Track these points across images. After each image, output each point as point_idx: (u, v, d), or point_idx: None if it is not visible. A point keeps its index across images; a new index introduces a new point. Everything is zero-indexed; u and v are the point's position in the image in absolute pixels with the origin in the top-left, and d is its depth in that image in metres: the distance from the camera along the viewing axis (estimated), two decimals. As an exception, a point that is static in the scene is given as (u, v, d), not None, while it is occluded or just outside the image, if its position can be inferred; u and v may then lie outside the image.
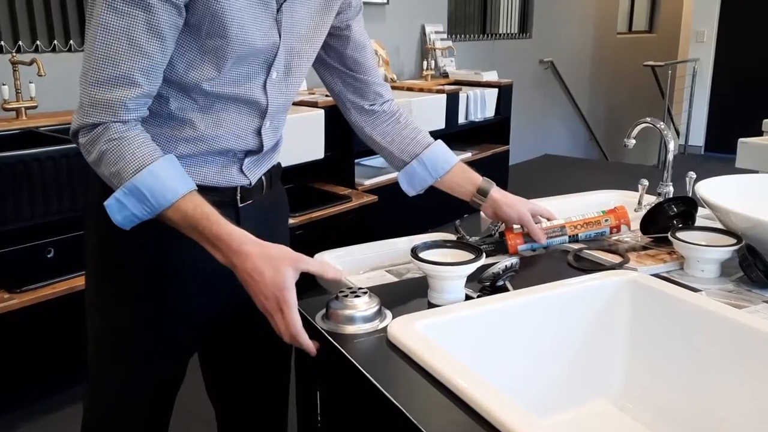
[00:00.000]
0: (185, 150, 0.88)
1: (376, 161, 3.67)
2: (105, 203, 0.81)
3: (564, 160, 5.67)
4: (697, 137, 6.00)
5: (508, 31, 5.33)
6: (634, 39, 7.07)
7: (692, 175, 1.21)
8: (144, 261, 0.91)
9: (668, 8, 7.43)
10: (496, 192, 1.12)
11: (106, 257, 0.93)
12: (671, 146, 1.20)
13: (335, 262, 1.12)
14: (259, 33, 0.86)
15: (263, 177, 0.99)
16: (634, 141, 1.26)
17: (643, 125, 1.24)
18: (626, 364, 0.91)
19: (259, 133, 0.94)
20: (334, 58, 1.05)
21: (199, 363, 1.09)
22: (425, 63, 4.13)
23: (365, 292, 0.81)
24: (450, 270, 0.83)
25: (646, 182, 1.21)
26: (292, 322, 0.75)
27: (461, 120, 3.80)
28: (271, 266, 0.76)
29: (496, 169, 4.20)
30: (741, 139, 2.46)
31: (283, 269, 0.76)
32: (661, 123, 1.21)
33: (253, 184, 0.97)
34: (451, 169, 1.13)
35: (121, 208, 0.80)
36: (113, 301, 0.93)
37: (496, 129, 4.19)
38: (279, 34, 0.89)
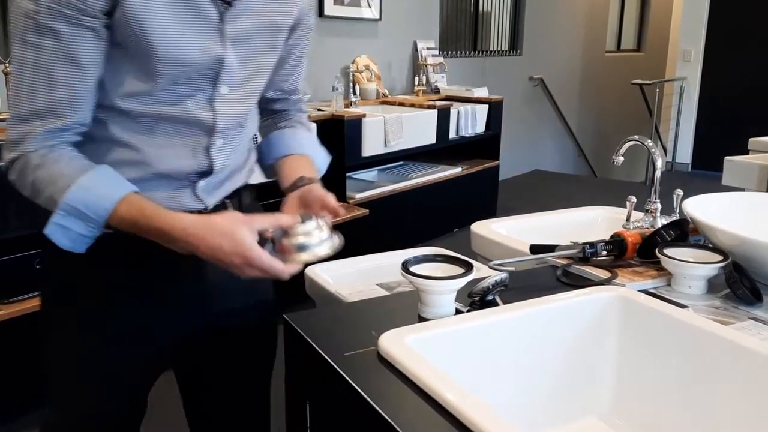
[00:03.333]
0: (131, 174, 0.83)
1: (367, 175, 3.68)
2: (45, 231, 0.77)
3: (553, 175, 5.71)
4: (684, 155, 6.07)
5: (499, 48, 5.39)
6: (623, 57, 7.17)
7: (679, 192, 1.23)
8: (91, 283, 0.87)
9: (656, 27, 7.55)
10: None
11: (54, 281, 0.90)
12: (659, 164, 1.21)
13: (326, 276, 1.12)
14: (194, 47, 0.81)
15: (227, 201, 0.93)
16: (622, 158, 1.28)
17: (631, 143, 1.26)
18: (615, 379, 0.91)
19: (208, 152, 0.88)
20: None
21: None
22: (417, 79, 4.17)
23: (310, 218, 0.84)
24: (440, 284, 0.83)
25: (634, 199, 1.22)
26: (268, 268, 0.77)
27: (452, 135, 3.83)
28: (226, 237, 0.76)
29: (486, 185, 4.23)
30: (727, 158, 2.50)
31: (238, 235, 0.76)
32: (649, 141, 1.23)
33: (209, 208, 0.90)
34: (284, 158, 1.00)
35: (65, 232, 0.77)
36: (62, 326, 0.90)
37: (487, 145, 4.22)
38: (225, 44, 0.83)
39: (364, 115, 3.13)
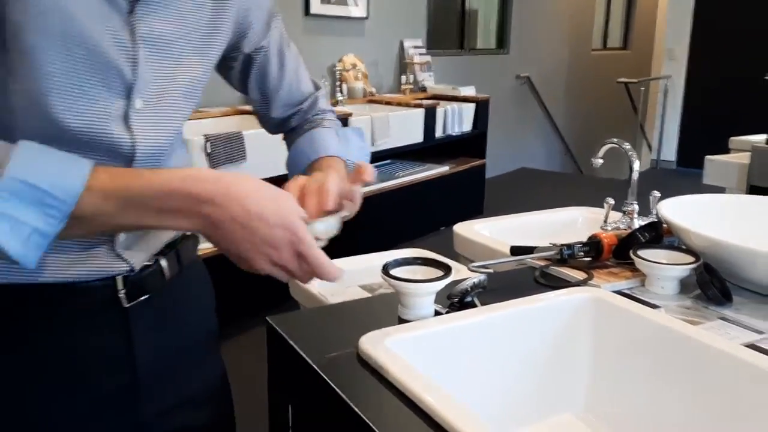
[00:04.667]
0: None
1: (354, 174, 3.69)
2: None
3: (539, 173, 5.76)
4: (669, 153, 6.14)
5: (486, 47, 5.42)
6: (609, 55, 7.23)
7: (656, 194, 1.25)
8: None
9: (642, 25, 7.61)
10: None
11: None
12: (636, 166, 1.24)
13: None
14: (104, 29, 0.60)
15: (161, 258, 0.73)
16: (601, 161, 1.31)
17: (610, 146, 1.28)
18: (590, 378, 0.94)
19: None
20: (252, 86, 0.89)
21: None
22: (404, 77, 4.18)
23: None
24: (419, 287, 0.85)
25: (611, 201, 1.25)
26: (316, 260, 0.60)
27: (438, 134, 3.86)
28: (273, 201, 0.57)
29: (473, 183, 4.26)
30: (708, 157, 2.54)
31: (290, 202, 0.59)
32: (627, 144, 1.26)
33: (136, 269, 0.70)
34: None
35: (13, 226, 0.49)
36: None
37: (473, 143, 4.26)
38: (135, 43, 0.64)
39: (351, 114, 3.14)
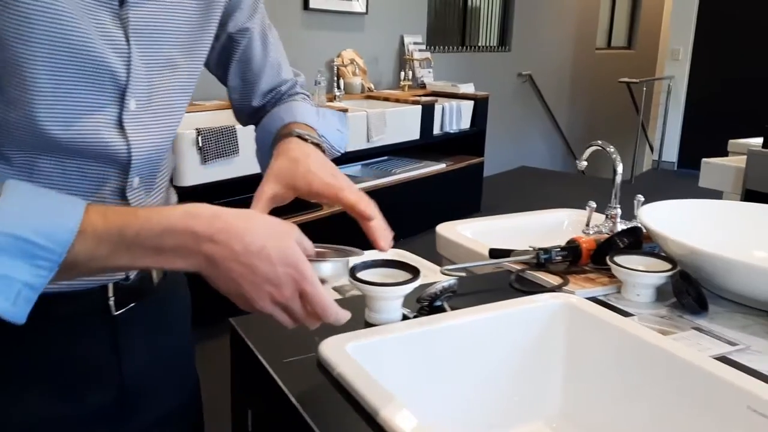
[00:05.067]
0: None
1: (350, 169, 3.69)
2: None
3: (540, 172, 5.73)
4: (671, 154, 6.10)
5: (487, 44, 5.39)
6: (613, 55, 7.18)
7: (640, 198, 1.23)
8: None
9: (647, 25, 7.56)
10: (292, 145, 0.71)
11: None
12: (619, 169, 1.22)
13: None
14: (93, 25, 0.57)
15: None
16: (585, 163, 1.29)
17: (594, 148, 1.26)
18: (562, 386, 0.92)
19: (123, 195, 0.65)
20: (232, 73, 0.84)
21: None
22: (403, 73, 4.16)
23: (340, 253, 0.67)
24: (385, 290, 0.84)
25: (593, 204, 1.23)
26: (320, 301, 0.57)
27: (436, 131, 3.83)
28: (275, 237, 0.54)
29: (470, 181, 4.24)
30: (704, 160, 2.51)
31: (293, 237, 0.56)
32: (611, 147, 1.24)
33: (132, 278, 0.68)
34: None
35: (1, 285, 0.46)
36: None
37: (472, 141, 4.23)
38: (127, 38, 0.61)
39: (347, 110, 3.13)
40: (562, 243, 1.09)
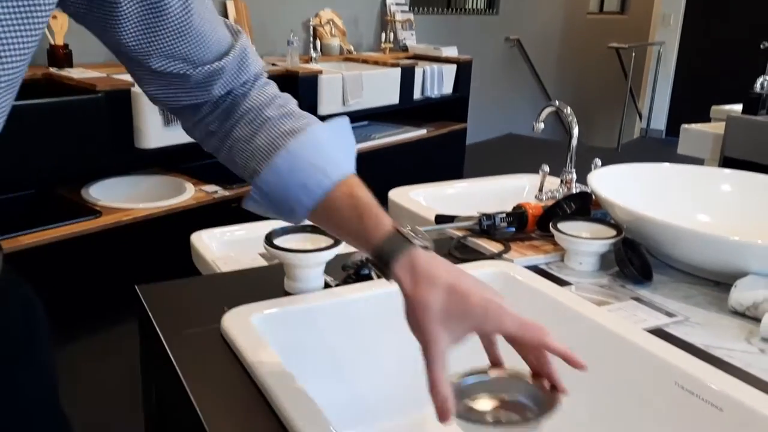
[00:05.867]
0: None
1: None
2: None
3: (527, 140, 5.64)
4: (659, 121, 6.03)
5: (474, 6, 5.25)
6: (605, 20, 7.02)
7: (598, 162, 1.17)
8: None
9: (641, -10, 7.39)
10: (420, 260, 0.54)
11: None
12: (575, 131, 1.16)
13: (215, 243, 1.06)
14: None
15: None
16: (542, 125, 1.22)
17: (550, 109, 1.20)
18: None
19: None
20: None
21: None
22: (384, 35, 4.04)
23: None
24: (302, 257, 0.78)
25: (546, 168, 1.17)
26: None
27: (417, 96, 3.73)
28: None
29: (452, 147, 4.16)
30: (684, 126, 2.45)
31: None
32: (568, 108, 1.17)
33: None
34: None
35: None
36: None
37: (454, 106, 4.13)
38: None
39: (321, 72, 3.03)
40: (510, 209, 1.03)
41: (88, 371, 1.82)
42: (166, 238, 2.20)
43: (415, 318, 0.52)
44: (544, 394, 0.53)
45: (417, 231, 0.57)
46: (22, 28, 0.45)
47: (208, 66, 0.57)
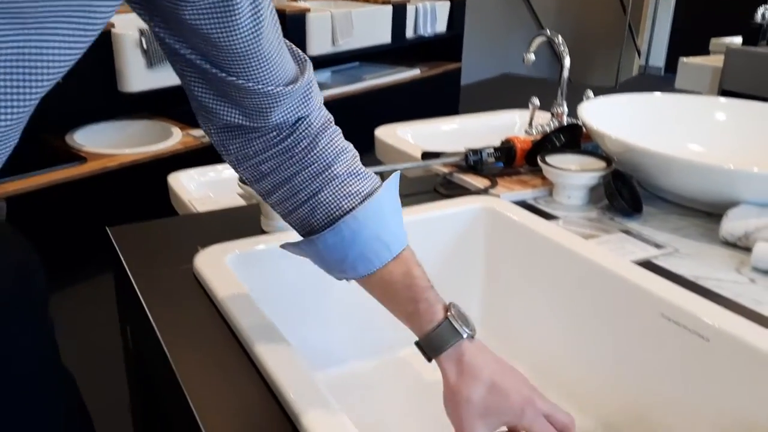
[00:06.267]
0: None
1: (318, 76, 3.50)
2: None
3: (523, 80, 5.53)
4: (658, 58, 5.89)
5: (469, -60, 5.04)
6: (605, -48, 6.78)
7: (589, 93, 1.13)
8: None
9: None
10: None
11: None
12: (566, 62, 1.11)
13: (193, 184, 1.03)
14: None
15: None
16: (533, 56, 1.17)
17: (541, 39, 1.15)
18: (481, 293, 0.86)
19: None
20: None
21: None
22: (374, -29, 3.89)
23: None
24: (278, 195, 0.75)
25: (536, 101, 1.13)
26: None
27: (409, 34, 3.62)
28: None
29: (447, 88, 4.07)
30: (682, 59, 2.38)
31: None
32: (559, 37, 1.12)
33: None
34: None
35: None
36: None
37: (448, 45, 4.02)
38: None
39: (309, 10, 2.93)
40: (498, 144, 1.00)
41: (75, 318, 1.81)
42: (153, 184, 2.17)
43: (455, 408, 0.53)
44: None
45: (460, 315, 0.56)
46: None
47: (272, 88, 0.52)
